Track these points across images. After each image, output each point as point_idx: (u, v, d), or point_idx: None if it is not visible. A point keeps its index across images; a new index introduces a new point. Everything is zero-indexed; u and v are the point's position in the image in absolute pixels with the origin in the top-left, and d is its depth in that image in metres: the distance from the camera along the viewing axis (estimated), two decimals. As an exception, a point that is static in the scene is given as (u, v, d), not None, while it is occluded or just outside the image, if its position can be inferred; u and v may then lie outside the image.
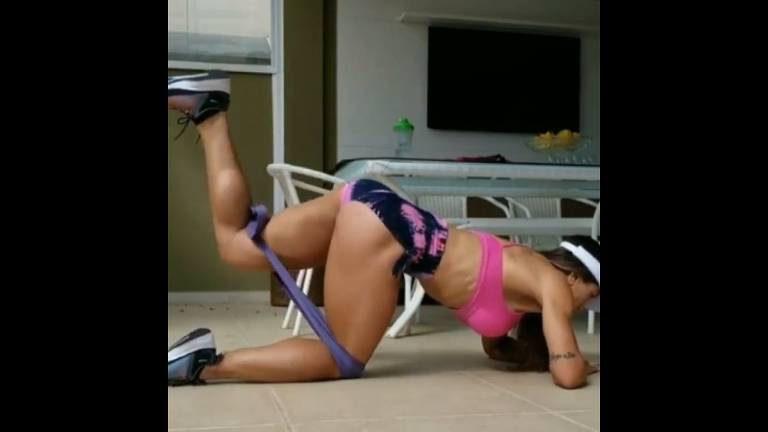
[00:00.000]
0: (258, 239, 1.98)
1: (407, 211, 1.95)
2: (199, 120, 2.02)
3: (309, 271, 2.97)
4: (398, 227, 1.91)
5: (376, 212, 1.90)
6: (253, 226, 1.98)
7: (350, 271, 1.89)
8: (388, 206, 1.93)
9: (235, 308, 4.08)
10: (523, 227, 3.91)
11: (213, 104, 2.01)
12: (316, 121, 4.73)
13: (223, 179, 1.99)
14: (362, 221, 1.90)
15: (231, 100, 2.06)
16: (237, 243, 2.00)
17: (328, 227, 1.98)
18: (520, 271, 1.98)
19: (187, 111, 2.02)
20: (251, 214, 2.01)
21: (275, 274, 2.02)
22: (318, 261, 2.05)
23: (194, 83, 2.00)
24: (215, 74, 2.03)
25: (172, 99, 1.99)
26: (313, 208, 2.05)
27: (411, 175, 3.01)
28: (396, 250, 1.90)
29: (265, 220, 2.01)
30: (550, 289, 1.96)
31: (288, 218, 2.05)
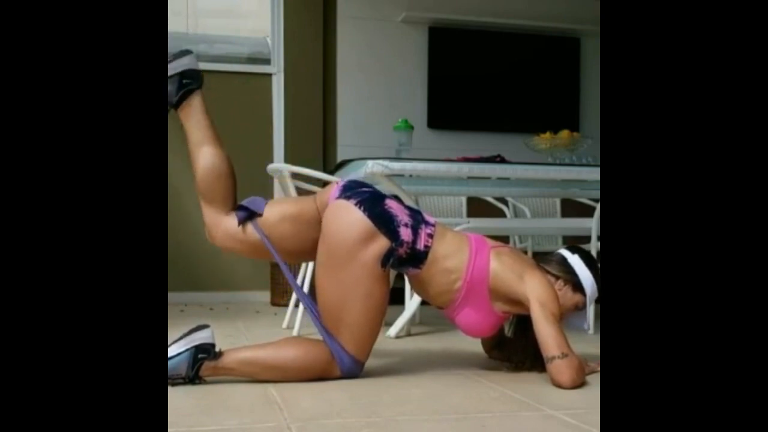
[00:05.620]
0: (245, 221, 1.98)
1: (391, 205, 1.96)
2: (177, 105, 2.00)
3: (309, 267, 2.97)
4: (383, 221, 1.91)
5: (360, 208, 1.90)
6: (242, 214, 1.98)
7: (339, 268, 1.89)
8: (371, 202, 1.93)
9: (235, 308, 4.08)
10: (523, 227, 3.91)
11: (187, 84, 2.00)
12: (316, 121, 4.72)
13: (202, 158, 1.99)
14: (347, 218, 1.90)
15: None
16: (224, 226, 2.00)
17: (316, 226, 1.98)
18: (507, 272, 1.98)
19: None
20: (238, 205, 2.01)
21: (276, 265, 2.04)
22: (306, 257, 2.10)
23: None
24: (178, 54, 2.01)
25: None
26: (306, 204, 2.04)
27: (411, 175, 3.01)
28: (382, 243, 1.90)
29: (256, 213, 2.00)
30: (536, 291, 1.95)
31: (284, 210, 2.03)
